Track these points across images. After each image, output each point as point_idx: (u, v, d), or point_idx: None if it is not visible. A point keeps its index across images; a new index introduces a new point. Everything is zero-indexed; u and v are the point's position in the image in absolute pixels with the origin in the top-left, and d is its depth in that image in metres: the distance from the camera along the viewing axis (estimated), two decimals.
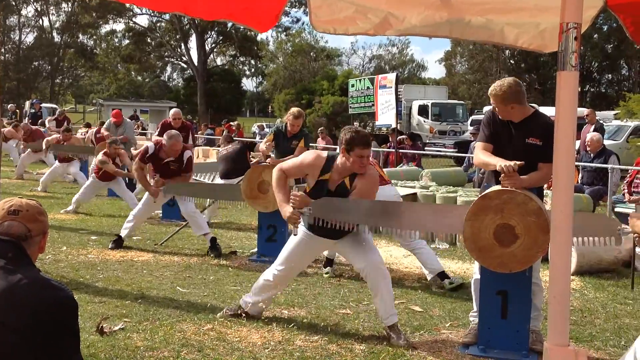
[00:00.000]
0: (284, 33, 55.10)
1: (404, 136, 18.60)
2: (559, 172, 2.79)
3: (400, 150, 16.69)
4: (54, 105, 37.20)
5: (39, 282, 2.34)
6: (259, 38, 51.18)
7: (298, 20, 52.77)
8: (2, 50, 52.51)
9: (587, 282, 6.60)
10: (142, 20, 71.49)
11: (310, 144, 8.04)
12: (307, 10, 3.69)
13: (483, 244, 4.22)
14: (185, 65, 55.95)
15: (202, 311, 5.22)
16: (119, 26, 55.32)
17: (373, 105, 17.32)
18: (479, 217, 4.22)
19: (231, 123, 29.98)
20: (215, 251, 7.41)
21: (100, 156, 10.36)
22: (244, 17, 3.47)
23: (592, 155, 10.47)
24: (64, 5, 53.65)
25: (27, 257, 2.41)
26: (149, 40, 52.23)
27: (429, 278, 6.36)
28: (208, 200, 9.43)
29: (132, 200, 10.10)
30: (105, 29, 53.57)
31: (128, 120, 14.76)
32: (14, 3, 51.86)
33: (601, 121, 16.56)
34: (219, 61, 56.50)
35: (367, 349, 4.48)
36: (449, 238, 5.22)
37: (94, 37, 55.10)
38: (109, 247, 7.59)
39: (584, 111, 14.07)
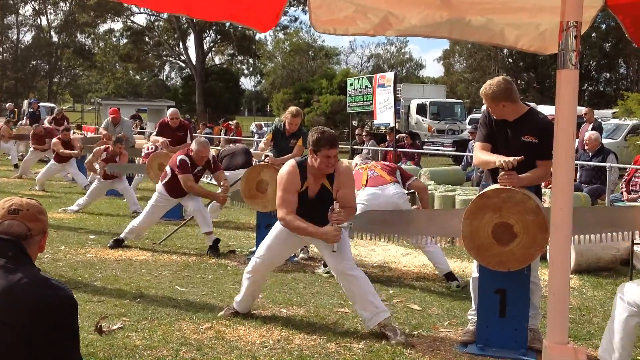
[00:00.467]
0: (282, 32, 55.13)
1: (404, 135, 18.60)
2: (558, 171, 2.79)
3: (399, 149, 16.70)
4: (52, 105, 37.14)
5: (39, 282, 2.34)
6: (257, 37, 51.22)
7: (296, 19, 52.82)
8: (0, 49, 52.48)
9: (586, 281, 6.61)
10: (140, 20, 71.54)
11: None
12: (306, 9, 3.69)
13: (481, 243, 4.23)
14: (183, 65, 55.98)
15: (200, 310, 5.22)
16: (117, 25, 55.48)
17: (371, 104, 17.32)
18: (477, 215, 4.22)
19: (229, 122, 29.95)
20: (214, 252, 7.42)
21: (97, 148, 10.42)
22: (245, 17, 3.47)
23: (590, 154, 10.48)
24: (61, 4, 53.64)
25: (27, 257, 2.41)
26: (147, 40, 52.21)
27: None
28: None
29: (132, 199, 10.11)
30: (103, 28, 53.64)
31: (126, 118, 14.75)
32: (11, 2, 51.85)
33: (599, 120, 16.57)
34: (217, 60, 56.53)
35: (365, 348, 4.48)
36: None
37: (92, 36, 55.11)
38: (108, 245, 7.59)
39: (582, 110, 14.07)
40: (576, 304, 5.71)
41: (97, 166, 10.44)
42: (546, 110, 17.96)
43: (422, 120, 28.52)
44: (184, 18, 44.75)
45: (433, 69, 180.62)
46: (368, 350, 4.43)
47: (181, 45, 51.58)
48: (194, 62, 49.35)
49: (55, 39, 55.07)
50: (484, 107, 4.64)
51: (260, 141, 24.82)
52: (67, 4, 52.77)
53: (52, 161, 13.03)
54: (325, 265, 6.71)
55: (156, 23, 51.23)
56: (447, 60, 55.74)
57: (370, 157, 9.84)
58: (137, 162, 12.69)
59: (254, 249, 7.36)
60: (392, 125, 15.78)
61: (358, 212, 5.07)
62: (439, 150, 22.30)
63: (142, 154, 11.72)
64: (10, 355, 2.24)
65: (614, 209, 4.50)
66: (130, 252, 7.42)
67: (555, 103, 2.82)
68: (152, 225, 8.02)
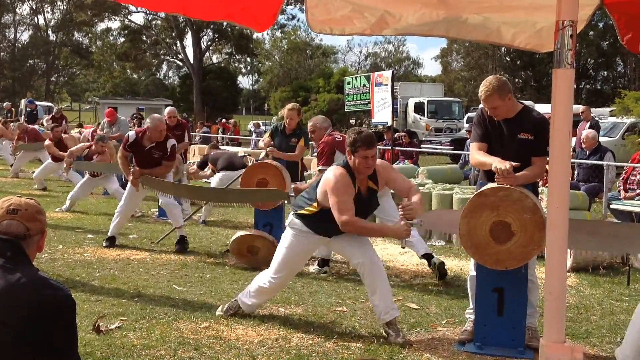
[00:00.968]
0: (280, 30, 55.08)
1: (402, 133, 18.61)
2: (555, 169, 2.80)
3: (397, 148, 16.70)
4: (49, 104, 37.09)
5: (38, 281, 2.34)
6: (254, 36, 51.14)
7: (294, 17, 52.84)
8: None
9: (583, 279, 6.62)
10: (138, 18, 71.49)
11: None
12: (303, 7, 3.69)
13: (479, 241, 4.23)
14: (181, 63, 55.90)
15: (198, 309, 5.22)
16: (115, 24, 55.38)
17: (369, 102, 17.30)
18: (475, 214, 4.23)
19: (224, 120, 29.95)
20: (181, 246, 7.54)
21: (78, 147, 10.45)
22: (242, 17, 3.47)
23: (587, 152, 10.49)
24: (59, 3, 53.54)
25: (26, 256, 2.41)
26: (144, 38, 52.12)
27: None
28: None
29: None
30: (100, 27, 53.54)
31: (122, 118, 14.73)
32: (9, 1, 51.73)
33: (597, 118, 16.60)
34: (214, 59, 56.47)
35: (363, 347, 4.49)
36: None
37: (90, 35, 55.01)
38: (104, 245, 7.60)
39: (579, 108, 14.10)
40: (574, 303, 5.72)
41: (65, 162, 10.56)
42: (543, 108, 17.98)
43: (420, 118, 28.55)
44: (181, 17, 44.70)
45: (431, 68, 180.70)
46: (366, 349, 4.44)
47: (179, 44, 51.55)
48: (192, 61, 49.29)
49: (52, 38, 54.99)
50: (482, 106, 4.65)
51: (258, 140, 24.84)
52: (65, 3, 52.68)
53: (49, 160, 13.03)
54: (320, 265, 6.71)
55: (154, 22, 51.17)
56: (444, 59, 55.73)
57: None
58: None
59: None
60: (389, 124, 15.78)
61: None
62: (436, 148, 22.30)
63: None
64: (8, 355, 2.24)
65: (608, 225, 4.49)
66: (128, 251, 7.42)
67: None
68: (132, 211, 8.11)
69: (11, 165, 16.06)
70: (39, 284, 2.33)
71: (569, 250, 6.32)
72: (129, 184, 7.71)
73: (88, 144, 10.67)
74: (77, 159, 11.27)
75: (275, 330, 4.77)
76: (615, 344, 4.61)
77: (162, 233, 8.22)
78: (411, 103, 29.07)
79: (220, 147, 10.24)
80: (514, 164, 4.23)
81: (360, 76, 20.52)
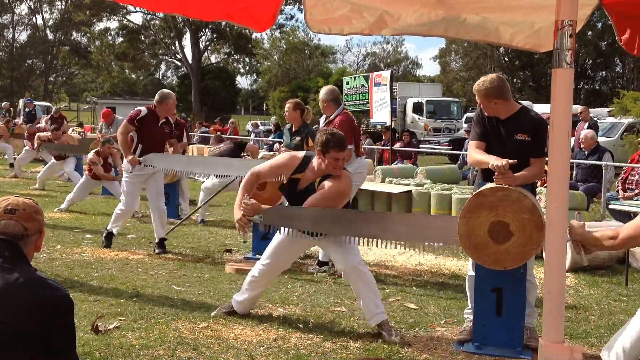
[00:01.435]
0: (278, 30, 55.07)
1: (405, 133, 18.67)
2: (554, 169, 2.80)
3: (395, 148, 16.72)
4: (47, 104, 37.06)
5: (36, 281, 2.34)
6: (253, 36, 51.19)
7: (292, 17, 52.83)
8: None
9: (582, 279, 6.62)
10: (136, 18, 71.42)
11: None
12: (302, 7, 3.68)
13: (477, 241, 4.23)
14: (179, 63, 55.94)
15: (197, 309, 5.21)
16: (113, 24, 55.40)
17: (368, 102, 17.32)
18: (473, 214, 4.22)
19: (216, 121, 29.91)
20: (162, 249, 7.43)
21: (90, 155, 10.37)
22: (241, 17, 3.47)
23: (586, 152, 10.50)
24: (57, 3, 53.52)
25: (24, 256, 2.41)
26: (143, 38, 52.12)
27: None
28: (200, 198, 9.44)
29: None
30: (99, 26, 53.51)
31: (120, 117, 14.72)
32: (7, 1, 51.69)
33: (595, 118, 16.63)
34: (213, 59, 56.46)
35: (362, 347, 4.48)
36: (390, 246, 4.92)
37: (88, 35, 54.98)
38: (103, 245, 7.52)
39: (577, 108, 14.11)
40: (572, 303, 5.72)
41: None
42: (542, 109, 18.01)
43: (419, 118, 28.55)
44: (179, 17, 44.71)
45: (429, 68, 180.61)
46: (365, 349, 4.44)
47: (177, 44, 51.58)
48: (190, 61, 49.30)
49: (51, 37, 54.95)
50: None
51: (256, 140, 24.82)
52: (63, 3, 52.67)
53: (52, 160, 13.06)
54: (319, 265, 6.72)
55: (152, 22, 51.17)
56: (443, 59, 55.75)
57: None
58: None
59: (250, 254, 7.31)
60: (388, 124, 15.80)
61: None
62: (435, 148, 22.31)
63: None
64: (6, 355, 2.24)
65: None
66: (127, 251, 7.41)
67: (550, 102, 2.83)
68: (134, 205, 7.72)
69: (10, 165, 16.06)
70: (37, 284, 2.33)
71: (568, 249, 6.31)
72: (125, 183, 7.42)
73: (95, 150, 10.61)
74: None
75: (274, 330, 4.76)
76: None
77: None
78: (410, 103, 29.07)
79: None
80: (510, 161, 4.23)
81: (358, 76, 20.56)
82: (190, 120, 36.19)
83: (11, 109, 29.43)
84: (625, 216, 8.53)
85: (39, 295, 2.30)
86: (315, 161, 4.68)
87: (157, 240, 7.47)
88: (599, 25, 41.39)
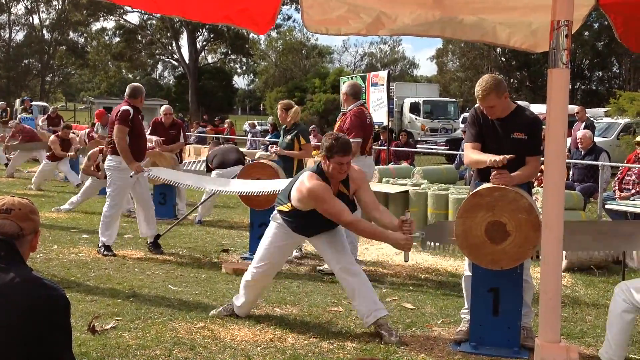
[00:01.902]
0: (275, 30, 55.02)
1: (402, 133, 18.67)
2: (550, 169, 2.80)
3: (392, 148, 16.71)
4: (44, 104, 36.98)
5: (32, 281, 2.33)
6: (250, 36, 51.11)
7: (289, 17, 52.74)
8: None
9: (578, 279, 6.63)
10: (133, 18, 71.19)
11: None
12: (299, 7, 3.69)
13: (474, 241, 4.24)
14: (176, 63, 55.82)
15: (194, 309, 5.21)
16: (110, 24, 55.25)
17: (365, 103, 17.32)
18: (470, 214, 4.23)
19: (216, 120, 29.88)
20: (158, 249, 7.39)
21: (92, 151, 10.35)
22: (241, 19, 3.47)
23: (582, 152, 10.51)
24: (54, 2, 53.42)
25: (19, 256, 2.40)
26: (139, 38, 52.02)
27: None
28: (203, 196, 9.41)
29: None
30: (95, 26, 53.37)
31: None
32: (4, 1, 51.58)
33: (592, 118, 16.62)
34: (210, 59, 56.38)
35: (359, 347, 4.48)
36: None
37: (85, 34, 54.88)
38: (103, 253, 7.19)
39: (574, 109, 14.11)
40: (569, 302, 5.73)
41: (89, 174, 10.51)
42: (538, 109, 18.03)
43: (416, 119, 28.56)
44: (177, 17, 44.64)
45: (426, 68, 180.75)
46: (361, 349, 4.44)
47: (174, 44, 51.43)
48: (187, 61, 49.20)
49: (47, 37, 54.84)
50: (476, 105, 4.66)
51: (254, 140, 24.80)
52: (60, 3, 52.57)
53: (45, 161, 13.00)
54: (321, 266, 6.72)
55: (149, 22, 51.05)
56: (440, 59, 55.73)
57: None
58: None
59: (247, 254, 7.29)
60: (385, 124, 15.80)
61: None
62: (432, 149, 22.31)
63: None
64: (2, 355, 2.23)
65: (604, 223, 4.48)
66: (124, 251, 7.40)
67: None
68: (122, 205, 7.59)
69: (6, 165, 16.03)
70: (33, 284, 2.33)
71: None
72: (113, 183, 7.23)
73: (98, 148, 10.56)
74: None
75: (271, 330, 4.76)
76: None
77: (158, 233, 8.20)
78: (407, 103, 29.09)
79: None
80: (508, 156, 4.24)
81: (356, 76, 20.53)
82: (187, 121, 36.15)
83: (7, 108, 29.37)
84: (621, 216, 8.54)
85: (34, 295, 2.29)
86: (324, 167, 4.63)
87: (151, 241, 7.41)
88: (596, 25, 41.40)
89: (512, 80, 46.06)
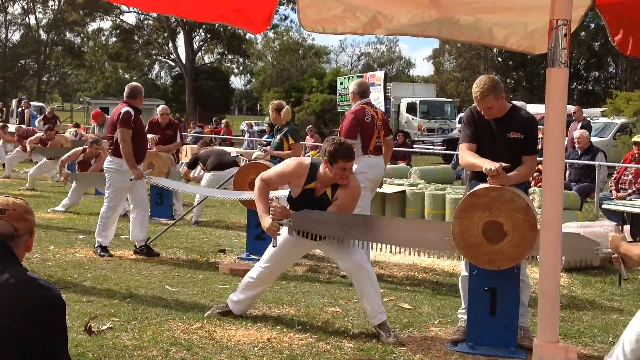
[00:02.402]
0: (272, 31, 55.02)
1: (400, 133, 18.69)
2: (548, 169, 2.80)
3: None
4: (40, 104, 36.92)
5: (27, 282, 2.32)
6: (247, 36, 51.10)
7: (286, 17, 52.74)
8: None
9: (575, 279, 6.63)
10: (130, 18, 71.32)
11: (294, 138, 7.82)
12: (295, 8, 3.68)
13: (472, 242, 4.23)
14: (173, 64, 55.78)
15: (191, 310, 5.20)
16: (106, 24, 55.20)
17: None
18: (467, 214, 4.23)
19: (215, 119, 29.87)
20: (151, 253, 7.29)
21: (73, 151, 10.34)
22: (236, 18, 3.46)
23: (579, 152, 10.52)
24: (50, 2, 53.35)
25: (14, 257, 2.39)
26: (136, 38, 51.98)
27: None
28: (196, 198, 9.41)
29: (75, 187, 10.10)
30: (92, 26, 53.35)
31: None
32: (0, 1, 51.50)
33: (588, 118, 16.65)
34: (207, 59, 56.39)
35: (356, 347, 4.48)
36: (430, 255, 4.87)
37: (81, 34, 54.82)
38: (99, 254, 7.16)
39: (571, 108, 14.13)
40: (566, 302, 5.72)
41: (58, 170, 10.50)
42: (535, 109, 18.04)
43: (412, 119, 28.58)
44: (173, 17, 44.62)
45: (423, 68, 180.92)
46: (359, 349, 4.43)
47: (171, 44, 51.40)
48: (184, 61, 49.19)
49: (44, 37, 54.78)
50: (473, 105, 4.66)
51: (250, 140, 24.78)
52: (56, 3, 52.49)
53: (44, 159, 13.02)
54: None
55: (145, 22, 51.02)
56: (436, 59, 55.78)
57: None
58: None
59: (244, 255, 7.27)
60: None
61: None
62: (429, 149, 22.33)
63: None
64: None
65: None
66: (120, 251, 7.38)
67: (544, 102, 2.83)
68: (120, 206, 7.42)
69: (3, 165, 16.00)
70: (28, 284, 2.31)
71: None
72: (112, 184, 7.16)
73: (81, 148, 10.55)
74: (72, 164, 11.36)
75: (268, 331, 4.75)
76: (607, 343, 4.63)
77: (154, 234, 8.18)
78: (403, 103, 29.10)
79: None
80: (504, 164, 4.24)
81: (352, 76, 20.54)
82: (184, 121, 36.13)
83: (4, 109, 29.32)
84: (618, 216, 8.56)
85: (30, 296, 2.28)
86: (322, 169, 4.63)
87: (142, 245, 7.27)
88: (592, 25, 41.48)
89: (508, 80, 46.12)
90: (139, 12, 47.75)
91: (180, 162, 11.80)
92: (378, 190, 9.50)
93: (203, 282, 6.17)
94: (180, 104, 48.24)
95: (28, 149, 13.54)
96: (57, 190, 13.04)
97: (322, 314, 5.24)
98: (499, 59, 47.57)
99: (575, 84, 47.36)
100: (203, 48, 53.56)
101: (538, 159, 4.79)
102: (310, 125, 23.86)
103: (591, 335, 4.86)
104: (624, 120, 19.22)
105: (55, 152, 12.91)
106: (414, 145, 23.23)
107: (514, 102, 4.83)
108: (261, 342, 4.50)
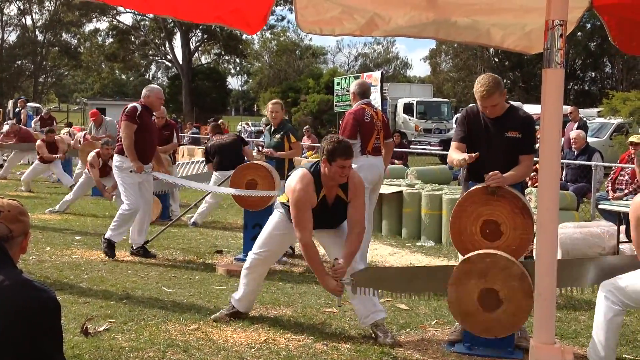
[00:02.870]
0: (269, 31, 55.01)
1: (396, 134, 18.64)
2: (544, 170, 2.79)
3: None
4: (37, 105, 36.84)
5: (21, 283, 2.31)
6: (244, 37, 51.08)
7: (283, 18, 52.80)
8: None
9: None
10: (126, 19, 71.13)
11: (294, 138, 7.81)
12: (292, 9, 3.68)
13: (467, 309, 4.15)
14: (169, 64, 55.80)
15: (187, 311, 5.19)
16: (103, 24, 55.10)
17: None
18: (462, 281, 4.14)
19: (209, 121, 29.85)
20: (148, 255, 7.26)
21: (91, 157, 10.19)
22: (232, 19, 3.45)
23: (576, 152, 10.54)
24: (47, 3, 53.26)
25: (9, 258, 2.38)
26: (133, 39, 51.95)
27: None
28: (205, 199, 9.33)
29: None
30: (88, 27, 53.27)
31: (109, 118, 14.64)
32: None
33: (584, 119, 16.67)
34: (203, 60, 56.37)
35: (353, 348, 4.47)
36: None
37: (78, 35, 54.75)
38: (106, 254, 7.08)
39: (567, 109, 14.14)
40: (562, 303, 5.72)
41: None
42: (532, 109, 18.04)
43: (409, 119, 28.58)
44: (170, 18, 44.52)
45: (419, 68, 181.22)
46: (355, 350, 4.43)
47: (167, 45, 51.41)
48: (181, 62, 49.18)
49: (40, 38, 54.68)
50: (469, 106, 4.67)
51: (248, 140, 24.75)
52: (53, 3, 52.41)
53: (37, 161, 12.96)
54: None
55: (142, 22, 51.01)
56: (433, 60, 55.82)
57: None
58: None
59: (241, 255, 7.25)
60: None
61: None
62: (425, 149, 22.33)
63: None
64: None
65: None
66: (117, 253, 7.36)
67: (540, 102, 2.83)
68: (140, 202, 7.20)
69: (0, 167, 15.98)
70: (23, 286, 2.31)
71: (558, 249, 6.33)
72: (122, 182, 7.10)
73: (96, 151, 10.39)
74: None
75: (265, 332, 4.75)
76: None
77: (151, 235, 8.17)
78: (400, 104, 29.10)
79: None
80: (474, 155, 4.31)
81: (349, 77, 20.56)
82: (180, 121, 36.09)
83: (0, 110, 29.25)
84: (614, 216, 8.56)
85: (25, 298, 2.28)
86: (322, 170, 4.56)
87: (139, 247, 7.24)
88: (589, 26, 41.55)
89: (505, 80, 46.10)
90: (136, 12, 47.70)
91: (177, 163, 11.77)
92: None
93: (200, 283, 6.17)
94: (177, 104, 48.21)
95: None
96: (53, 191, 13.03)
97: (319, 314, 5.24)
98: (495, 59, 47.64)
99: (571, 84, 47.44)
100: (200, 49, 53.56)
101: (535, 159, 4.80)
102: (307, 126, 23.82)
103: (588, 335, 4.85)
104: (621, 121, 19.25)
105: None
106: (411, 146, 23.23)
107: (512, 102, 4.85)
108: (258, 343, 4.50)
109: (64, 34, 54.83)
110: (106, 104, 39.39)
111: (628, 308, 4.00)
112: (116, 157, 7.17)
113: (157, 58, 56.39)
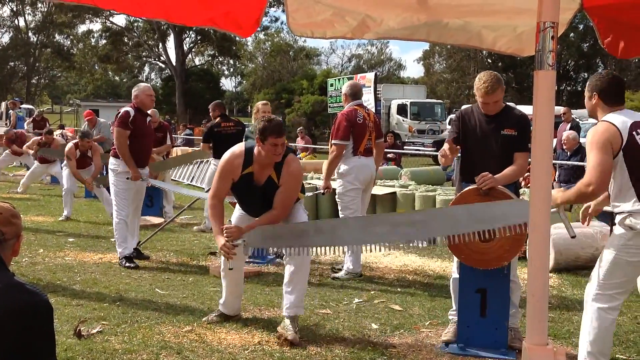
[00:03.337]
0: (263, 32, 55.02)
1: (389, 134, 18.68)
2: (536, 170, 2.80)
3: None
4: (30, 106, 36.73)
5: (13, 287, 2.31)
6: (237, 38, 51.05)
7: (277, 19, 52.79)
8: None
9: (565, 279, 6.66)
10: (120, 20, 71.00)
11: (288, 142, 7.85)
12: (285, 12, 3.68)
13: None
14: (163, 65, 55.69)
15: (181, 313, 5.18)
16: (96, 26, 55.03)
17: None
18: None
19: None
20: (139, 255, 7.17)
21: (68, 148, 10.15)
22: (225, 22, 3.45)
23: (568, 153, 10.58)
24: (39, 5, 53.11)
25: (1, 261, 2.38)
26: (126, 40, 51.86)
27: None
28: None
29: (108, 201, 9.99)
30: (81, 28, 53.20)
31: (102, 120, 14.60)
32: None
33: (577, 119, 16.72)
34: (197, 61, 56.31)
35: (347, 349, 4.47)
36: (382, 249, 4.75)
37: (71, 37, 54.62)
38: (125, 265, 6.83)
39: (560, 109, 14.20)
40: (555, 303, 5.74)
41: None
42: (525, 110, 18.06)
43: (403, 120, 28.62)
44: (163, 21, 44.43)
45: (413, 70, 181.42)
46: (349, 352, 4.43)
47: (161, 46, 51.34)
48: (174, 63, 49.12)
49: (33, 39, 54.52)
50: (464, 107, 4.70)
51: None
52: (45, 5, 52.26)
53: (35, 163, 12.91)
54: (333, 271, 6.69)
55: (135, 24, 50.93)
56: (427, 61, 55.92)
57: None
58: None
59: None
60: None
61: None
62: (419, 150, 22.37)
63: None
64: None
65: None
66: (110, 255, 7.35)
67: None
68: (130, 209, 7.06)
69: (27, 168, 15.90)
70: (15, 289, 2.30)
71: (551, 250, 6.35)
72: (114, 187, 6.98)
73: (74, 142, 10.35)
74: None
75: (258, 334, 4.74)
76: None
77: (144, 236, 8.15)
78: (394, 105, 29.14)
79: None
80: (447, 151, 4.53)
81: (343, 78, 20.55)
82: (174, 123, 36.04)
83: None
84: (607, 216, 8.58)
85: (17, 301, 2.27)
86: (256, 150, 4.64)
87: (132, 253, 7.04)
88: (581, 27, 41.71)
89: None
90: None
91: None
92: None
93: (193, 285, 6.16)
94: (171, 106, 48.16)
95: (33, 152, 13.16)
96: (47, 193, 12.99)
97: (313, 316, 5.24)
98: (488, 60, 47.74)
99: (564, 85, 47.59)
100: (193, 50, 53.50)
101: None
102: (301, 127, 23.85)
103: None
104: None
105: (59, 154, 12.73)
106: (405, 147, 23.27)
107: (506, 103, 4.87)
108: (252, 345, 4.49)
109: (57, 35, 54.68)
110: (99, 106, 39.31)
111: (623, 297, 3.91)
112: (112, 160, 7.05)
113: (150, 59, 56.33)
